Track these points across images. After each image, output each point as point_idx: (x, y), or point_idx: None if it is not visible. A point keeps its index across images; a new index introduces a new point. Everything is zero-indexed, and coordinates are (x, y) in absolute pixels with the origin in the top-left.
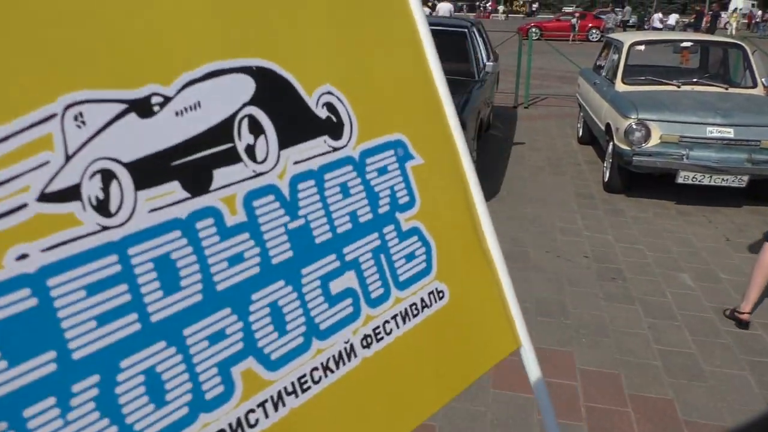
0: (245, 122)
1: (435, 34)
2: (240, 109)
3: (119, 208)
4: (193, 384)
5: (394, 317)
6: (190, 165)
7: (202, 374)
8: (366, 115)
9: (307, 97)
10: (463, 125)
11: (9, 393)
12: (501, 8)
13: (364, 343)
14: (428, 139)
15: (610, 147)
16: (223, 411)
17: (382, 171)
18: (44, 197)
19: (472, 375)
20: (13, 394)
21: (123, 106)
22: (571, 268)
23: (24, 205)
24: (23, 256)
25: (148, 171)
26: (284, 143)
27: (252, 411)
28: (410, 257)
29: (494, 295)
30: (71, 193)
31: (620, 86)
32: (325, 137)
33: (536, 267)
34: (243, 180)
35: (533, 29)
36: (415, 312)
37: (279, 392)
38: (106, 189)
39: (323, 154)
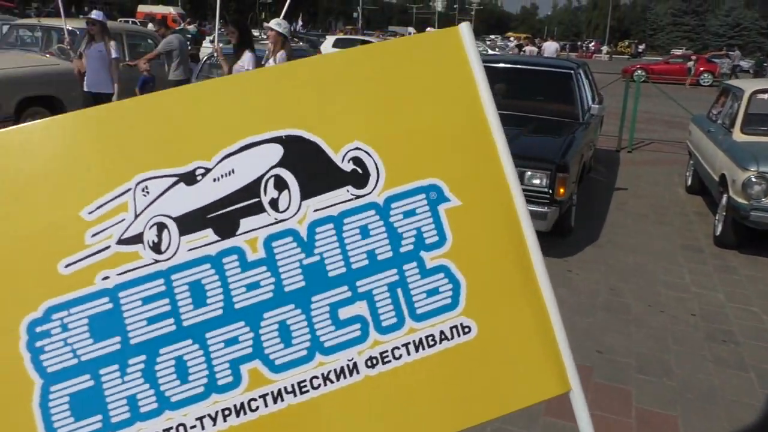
0: (271, 181)
1: (540, 75)
2: (268, 171)
3: (167, 248)
4: (209, 371)
5: (405, 345)
6: (221, 216)
7: (217, 366)
8: (396, 164)
9: (333, 154)
10: (565, 169)
11: (92, 359)
12: (605, 48)
13: (369, 364)
14: (471, 182)
15: (724, 199)
16: (231, 395)
17: (409, 213)
18: (120, 242)
19: (496, 410)
20: (94, 360)
21: (175, 179)
22: (676, 325)
23: (108, 247)
24: (106, 278)
25: (189, 222)
26: (306, 195)
27: (254, 399)
28: (432, 292)
29: (539, 336)
30: (137, 239)
31: (739, 136)
32: (348, 187)
33: (637, 321)
34: (265, 226)
35: (639, 71)
36: (432, 343)
37: (279, 390)
38: (159, 235)
39: (345, 201)
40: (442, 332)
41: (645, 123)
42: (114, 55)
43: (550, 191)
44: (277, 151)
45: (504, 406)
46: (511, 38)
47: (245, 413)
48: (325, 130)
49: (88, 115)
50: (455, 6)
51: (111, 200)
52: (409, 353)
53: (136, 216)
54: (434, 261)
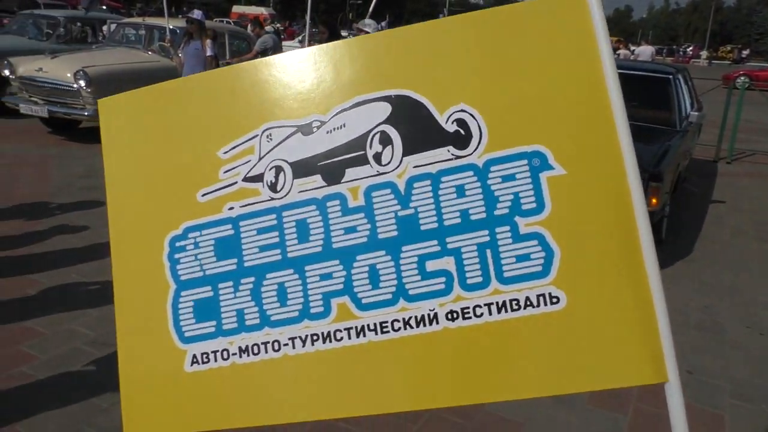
0: (377, 136)
1: (636, 80)
2: (375, 126)
3: (282, 188)
4: (304, 300)
5: (488, 304)
6: (330, 165)
7: (311, 296)
8: (501, 128)
9: (438, 115)
10: (659, 178)
11: (213, 274)
12: (704, 53)
13: (450, 317)
14: (579, 153)
15: None
16: (320, 323)
17: (508, 178)
18: (246, 179)
19: (576, 385)
20: (215, 275)
21: (294, 128)
22: None
23: (235, 182)
24: (231, 208)
25: (302, 167)
26: (408, 151)
27: (339, 330)
28: (523, 258)
29: (639, 320)
30: (258, 178)
31: None
32: (450, 147)
33: (733, 343)
34: (367, 177)
35: (742, 78)
36: (516, 307)
37: (363, 326)
38: (276, 176)
39: (444, 160)
40: (527, 298)
41: (747, 133)
42: (209, 52)
43: None
44: (385, 109)
45: (585, 383)
46: None
47: (330, 341)
48: (433, 91)
49: (228, 73)
50: None
51: (242, 143)
52: (490, 313)
53: (260, 158)
54: (529, 227)
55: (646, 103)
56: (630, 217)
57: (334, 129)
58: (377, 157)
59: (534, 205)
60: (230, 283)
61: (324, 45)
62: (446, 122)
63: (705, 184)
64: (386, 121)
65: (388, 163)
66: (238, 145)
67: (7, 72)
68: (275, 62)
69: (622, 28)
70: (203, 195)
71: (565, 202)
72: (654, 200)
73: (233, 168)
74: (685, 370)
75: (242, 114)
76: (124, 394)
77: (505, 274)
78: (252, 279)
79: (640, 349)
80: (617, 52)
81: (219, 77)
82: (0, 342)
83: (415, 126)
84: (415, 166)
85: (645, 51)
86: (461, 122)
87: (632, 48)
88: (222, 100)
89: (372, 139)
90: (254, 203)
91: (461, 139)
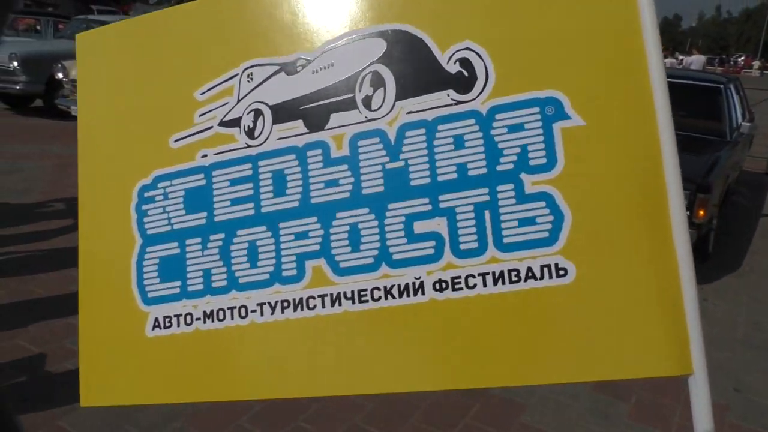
0: (368, 77)
1: (686, 89)
2: (366, 66)
3: (260, 134)
4: (276, 261)
5: (482, 274)
6: (314, 109)
7: (284, 257)
8: (511, 69)
9: (439, 53)
10: (707, 189)
11: (182, 228)
12: (756, 63)
13: (437, 286)
14: (602, 102)
15: None
16: (292, 288)
17: (516, 128)
18: (222, 123)
19: (581, 374)
20: (183, 230)
21: (277, 68)
22: None
23: (211, 127)
24: (204, 156)
25: (284, 111)
26: (402, 95)
27: (312, 297)
28: (527, 222)
29: (662, 303)
30: (235, 122)
31: None
32: (450, 91)
33: None
34: (354, 123)
35: None
36: (515, 279)
37: (339, 293)
38: (255, 121)
39: (443, 106)
40: (529, 269)
41: None
42: None
43: (688, 212)
44: (379, 46)
45: (593, 372)
46: None
47: (302, 309)
48: (434, 26)
49: (212, 3)
50: None
51: (220, 84)
52: (485, 284)
53: (239, 100)
54: (536, 186)
55: (696, 113)
56: (659, 183)
57: (321, 68)
58: (367, 102)
59: (544, 160)
60: (198, 240)
61: None
62: (448, 62)
63: (755, 196)
64: (380, 60)
65: (379, 108)
66: (216, 86)
67: (60, 75)
68: None
69: (670, 37)
70: (176, 141)
71: (581, 159)
72: (701, 212)
73: (209, 111)
74: (733, 388)
75: (222, 50)
76: (83, 358)
77: (505, 240)
78: (221, 236)
79: (663, 336)
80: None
81: (202, 8)
82: (44, 339)
83: (412, 66)
84: (408, 112)
85: (697, 60)
86: (465, 62)
87: (679, 57)
88: (202, 35)
89: (362, 80)
90: (229, 150)
91: (464, 81)
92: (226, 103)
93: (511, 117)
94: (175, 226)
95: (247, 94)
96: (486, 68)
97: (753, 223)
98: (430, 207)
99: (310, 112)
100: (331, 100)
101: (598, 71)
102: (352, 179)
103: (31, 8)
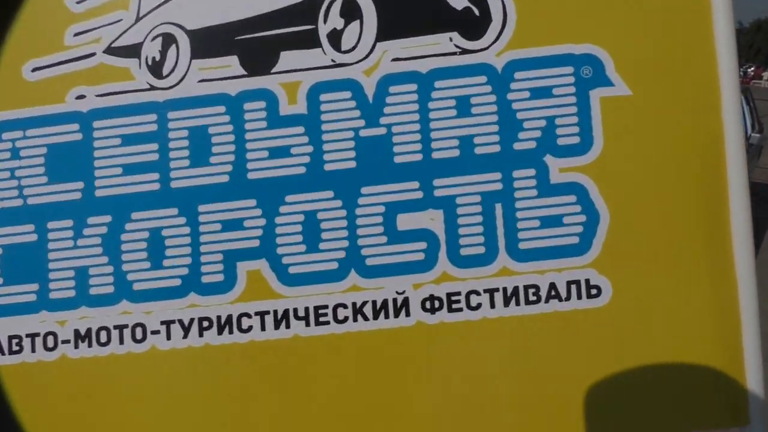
0: (338, 3)
1: None
2: None
3: (171, 72)
4: (192, 261)
5: (490, 291)
6: (255, 42)
7: (204, 255)
8: (537, 11)
9: None
10: None
11: (42, 204)
12: (766, 74)
13: (427, 305)
14: (656, 67)
15: None
16: (216, 300)
17: (541, 93)
18: (110, 50)
19: (613, 426)
20: (44, 207)
21: None
22: None
23: (93, 54)
24: (81, 97)
25: (208, 40)
26: (385, 34)
27: (247, 315)
28: (551, 221)
29: (716, 336)
30: (132, 50)
31: None
32: (454, 34)
33: None
34: (315, 68)
35: None
36: (533, 298)
37: (286, 311)
38: (164, 51)
39: (444, 54)
40: (552, 285)
41: None
42: None
43: None
44: None
45: (631, 422)
46: None
47: (231, 332)
48: None
49: None
50: None
51: None
52: (493, 305)
53: (138, 18)
54: (565, 174)
55: None
56: (721, 181)
57: None
58: (334, 38)
59: (576, 139)
60: (69, 223)
61: None
62: None
63: (764, 208)
64: None
65: (352, 49)
66: None
67: None
68: None
69: None
70: (34, 70)
71: (624, 141)
72: None
73: (90, 30)
74: None
75: None
76: None
77: (521, 245)
78: (107, 219)
79: (716, 377)
80: None
81: None
82: None
83: None
84: (394, 59)
85: None
86: None
87: None
88: None
89: (329, 6)
90: (122, 93)
91: (473, 22)
92: (119, 21)
93: (536, 78)
94: (30, 201)
95: (151, 11)
96: (504, 6)
97: (761, 235)
98: (420, 194)
99: (248, 45)
100: (281, 31)
101: (651, 29)
102: (310, 148)
103: None
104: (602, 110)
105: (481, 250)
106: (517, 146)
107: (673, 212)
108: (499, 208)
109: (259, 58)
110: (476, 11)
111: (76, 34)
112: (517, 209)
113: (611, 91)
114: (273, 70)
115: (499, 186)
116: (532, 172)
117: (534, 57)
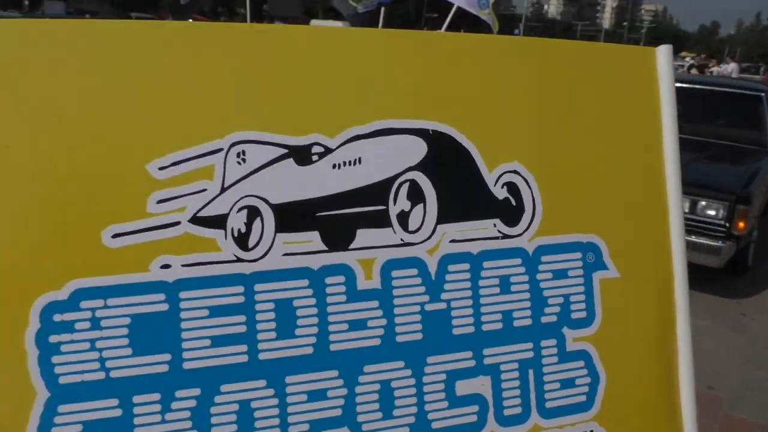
0: (405, 187)
1: (723, 97)
2: (403, 172)
3: (257, 244)
4: (281, 431)
5: None
6: (334, 219)
7: (292, 426)
8: (556, 205)
9: (486, 172)
10: (748, 200)
11: (126, 377)
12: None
13: None
14: (632, 250)
15: None
16: None
17: (560, 274)
18: (195, 219)
19: None
20: (129, 380)
21: (283, 151)
22: None
23: (178, 223)
24: (166, 266)
25: (292, 216)
26: (444, 217)
27: None
28: (567, 384)
29: None
30: (218, 221)
31: None
32: (497, 221)
33: None
34: (387, 246)
35: None
36: None
37: None
38: (249, 224)
39: (489, 239)
40: None
41: None
42: None
43: (727, 224)
44: (419, 148)
45: None
46: (686, 58)
47: None
48: (483, 136)
49: (189, 29)
50: (624, 24)
51: (193, 158)
52: None
53: (223, 189)
54: (576, 343)
55: (735, 122)
56: (671, 334)
57: (345, 163)
58: (403, 219)
59: (584, 314)
60: (156, 397)
61: (357, 29)
62: (494, 184)
63: None
64: (419, 167)
65: (417, 229)
66: (186, 160)
67: None
68: (275, 33)
69: (708, 45)
70: (115, 236)
71: (615, 315)
72: (741, 224)
73: (174, 198)
74: None
75: (199, 107)
76: None
77: (548, 404)
78: (196, 392)
79: None
80: (690, 70)
81: (172, 31)
82: None
83: (457, 181)
84: (452, 240)
85: (730, 68)
86: (512, 188)
87: (711, 69)
88: (166, 72)
89: (398, 189)
90: (208, 263)
91: (511, 211)
92: (204, 190)
93: (557, 261)
94: (114, 374)
95: (237, 182)
96: (533, 199)
97: None
98: (473, 362)
99: (329, 221)
100: (357, 210)
101: (628, 217)
102: (383, 321)
103: (72, 16)
104: (601, 290)
105: (519, 410)
106: (543, 319)
107: (643, 369)
108: (531, 373)
109: (338, 235)
110: (513, 201)
111: (159, 201)
112: (544, 373)
113: (606, 274)
114: (350, 247)
115: (531, 354)
116: (554, 341)
117: (555, 243)
